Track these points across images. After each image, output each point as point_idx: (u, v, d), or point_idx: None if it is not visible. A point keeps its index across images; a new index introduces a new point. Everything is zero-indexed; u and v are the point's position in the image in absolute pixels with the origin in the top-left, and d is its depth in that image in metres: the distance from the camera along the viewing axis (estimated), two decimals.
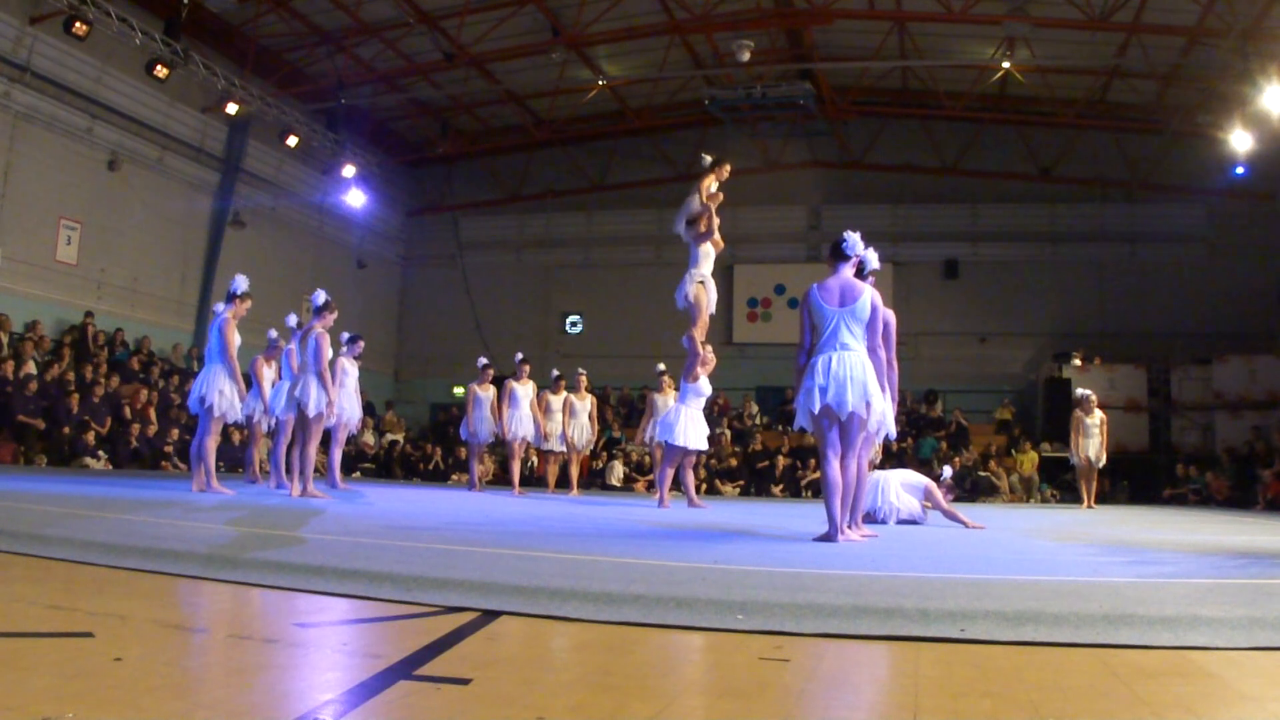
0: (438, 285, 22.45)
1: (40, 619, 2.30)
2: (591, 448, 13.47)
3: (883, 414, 5.15)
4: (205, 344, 8.72)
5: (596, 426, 12.92)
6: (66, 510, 4.99)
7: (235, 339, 8.16)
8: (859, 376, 4.88)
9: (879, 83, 18.87)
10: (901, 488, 7.60)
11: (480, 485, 12.11)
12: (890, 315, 5.45)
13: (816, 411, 4.92)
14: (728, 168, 9.27)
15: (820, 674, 2.09)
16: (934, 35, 16.76)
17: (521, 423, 11.66)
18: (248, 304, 8.32)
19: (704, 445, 9.53)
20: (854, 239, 5.33)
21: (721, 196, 9.32)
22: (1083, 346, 18.28)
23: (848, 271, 5.25)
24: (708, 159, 9.25)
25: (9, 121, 13.55)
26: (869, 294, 5.07)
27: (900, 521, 7.46)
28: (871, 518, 7.26)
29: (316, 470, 8.89)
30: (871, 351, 5.07)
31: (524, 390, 11.77)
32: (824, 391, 4.89)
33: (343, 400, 9.31)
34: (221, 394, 7.94)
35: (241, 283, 8.28)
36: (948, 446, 16.98)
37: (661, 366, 11.75)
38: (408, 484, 15.49)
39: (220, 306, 8.41)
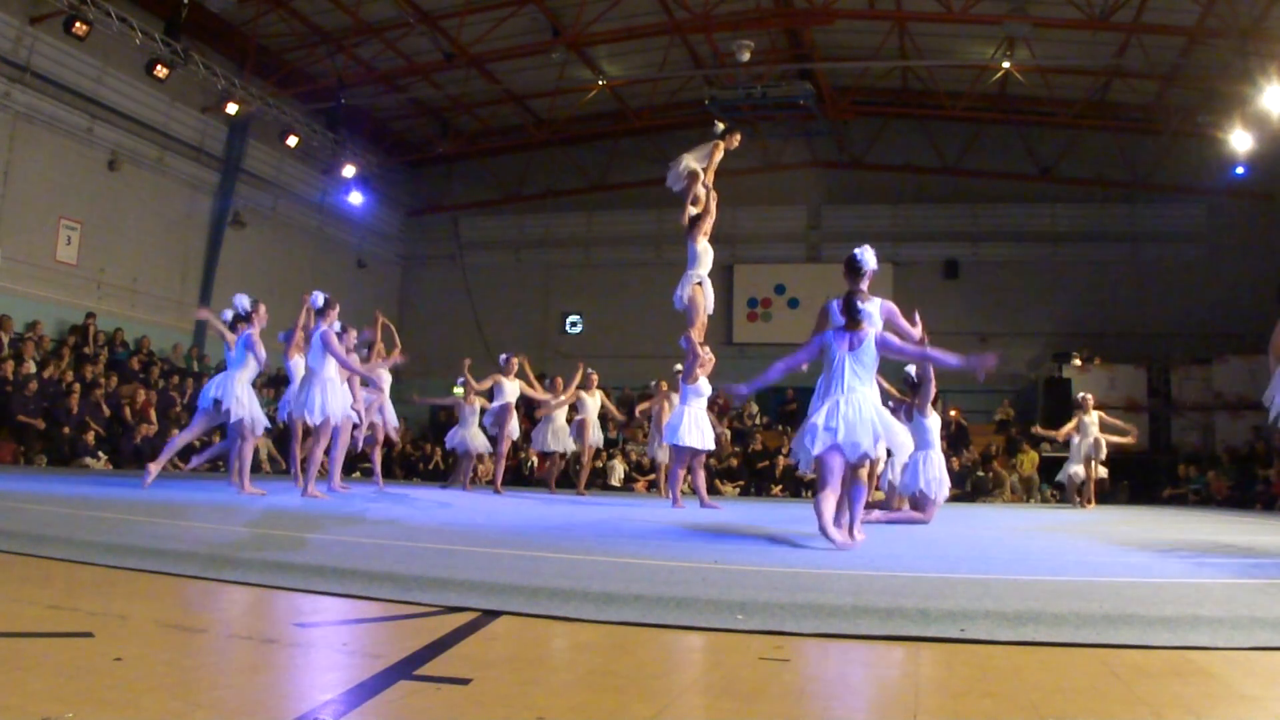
0: (438, 285, 22.45)
1: (40, 619, 2.30)
2: (599, 447, 13.60)
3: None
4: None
5: (622, 417, 13.08)
6: (66, 510, 4.99)
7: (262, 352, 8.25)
8: (869, 416, 4.88)
9: (879, 83, 18.87)
10: (939, 460, 7.61)
11: (498, 486, 12.08)
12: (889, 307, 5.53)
13: (816, 452, 4.86)
14: (738, 137, 9.36)
15: (820, 674, 2.09)
16: (934, 35, 16.76)
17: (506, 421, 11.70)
18: (262, 309, 8.40)
19: (710, 445, 9.57)
20: (866, 255, 5.34)
21: (708, 202, 9.38)
22: (1083, 346, 18.28)
23: (864, 285, 5.28)
24: (720, 126, 9.30)
25: (9, 121, 13.55)
26: (872, 335, 5.05)
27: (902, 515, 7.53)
28: (921, 504, 7.41)
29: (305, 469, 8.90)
30: (911, 340, 5.42)
31: (511, 387, 11.80)
32: (833, 433, 4.84)
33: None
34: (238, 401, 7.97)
35: (245, 300, 8.37)
36: (948, 446, 16.96)
37: (679, 367, 11.79)
38: (408, 484, 15.48)
39: (234, 320, 8.41)
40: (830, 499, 4.80)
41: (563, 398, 12.24)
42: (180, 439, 8.48)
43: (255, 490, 7.92)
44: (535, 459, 16.31)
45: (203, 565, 3.18)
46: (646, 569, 3.56)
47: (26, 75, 13.65)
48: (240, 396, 7.95)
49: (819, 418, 4.89)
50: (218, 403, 7.95)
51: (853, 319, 5.04)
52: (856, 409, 4.86)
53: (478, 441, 11.87)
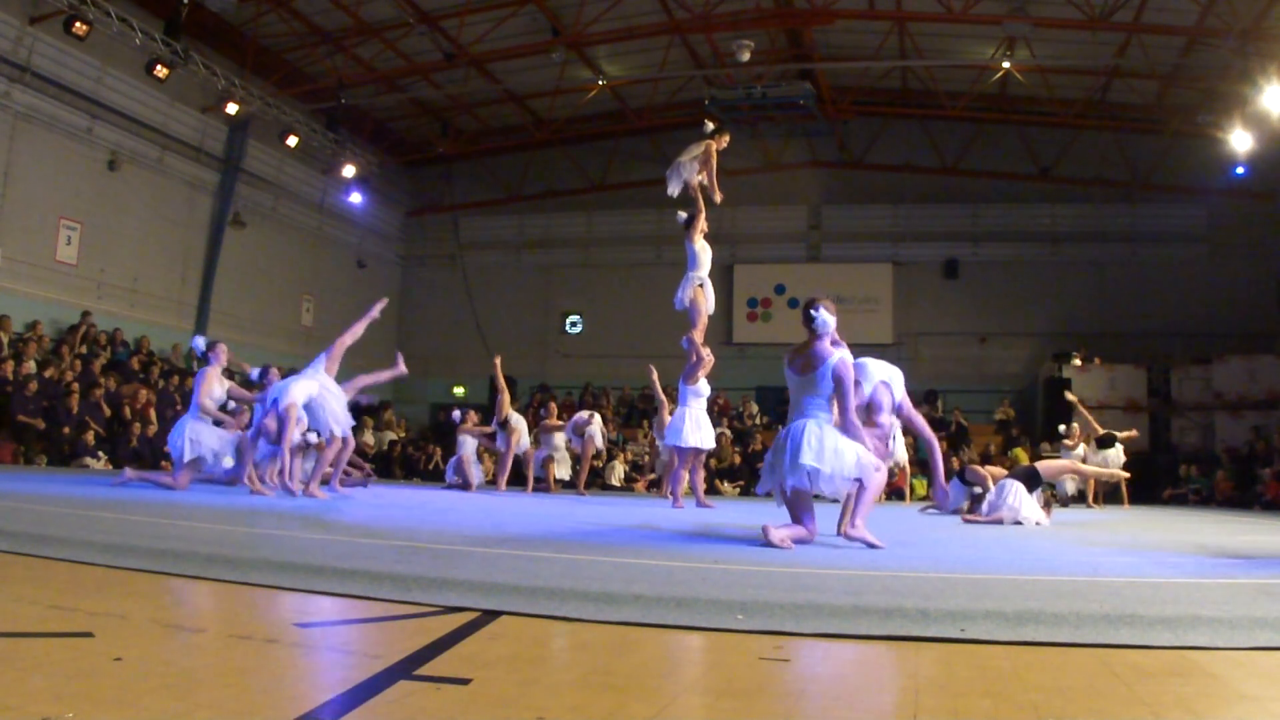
0: (438, 285, 22.46)
1: (40, 619, 2.30)
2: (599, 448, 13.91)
3: (844, 467, 4.66)
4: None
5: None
6: (66, 510, 4.99)
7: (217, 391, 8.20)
8: (798, 444, 4.57)
9: (879, 83, 18.88)
10: (1025, 492, 7.78)
11: (501, 486, 12.42)
12: (844, 369, 4.80)
13: (761, 490, 4.83)
14: (728, 137, 9.33)
15: (820, 674, 2.09)
16: (934, 35, 16.77)
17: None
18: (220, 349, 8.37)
19: (710, 444, 9.60)
20: (825, 316, 4.83)
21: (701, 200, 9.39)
22: (1083, 346, 18.29)
23: (823, 342, 4.87)
24: (710, 125, 9.28)
25: (9, 121, 13.55)
26: (829, 364, 4.74)
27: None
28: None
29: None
30: (843, 413, 4.75)
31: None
32: (771, 468, 4.70)
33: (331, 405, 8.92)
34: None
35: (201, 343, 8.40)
36: (947, 446, 16.97)
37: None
38: (408, 484, 15.49)
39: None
40: (799, 531, 4.64)
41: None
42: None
43: (264, 490, 7.92)
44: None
45: (203, 565, 3.18)
46: (646, 569, 3.56)
47: (26, 75, 13.65)
48: (199, 438, 7.94)
49: (772, 452, 4.75)
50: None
51: (809, 330, 4.82)
52: (797, 441, 4.60)
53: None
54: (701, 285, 9.25)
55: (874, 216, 20.29)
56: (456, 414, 13.01)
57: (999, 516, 7.72)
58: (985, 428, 18.07)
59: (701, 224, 9.38)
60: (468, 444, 12.52)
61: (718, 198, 9.54)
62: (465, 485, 12.27)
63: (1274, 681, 2.06)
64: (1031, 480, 8.01)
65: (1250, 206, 18.03)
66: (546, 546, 4.30)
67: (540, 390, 19.36)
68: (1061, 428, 13.63)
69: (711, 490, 15.48)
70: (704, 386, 9.50)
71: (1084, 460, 12.55)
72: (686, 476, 9.61)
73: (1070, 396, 13.91)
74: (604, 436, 13.37)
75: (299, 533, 4.60)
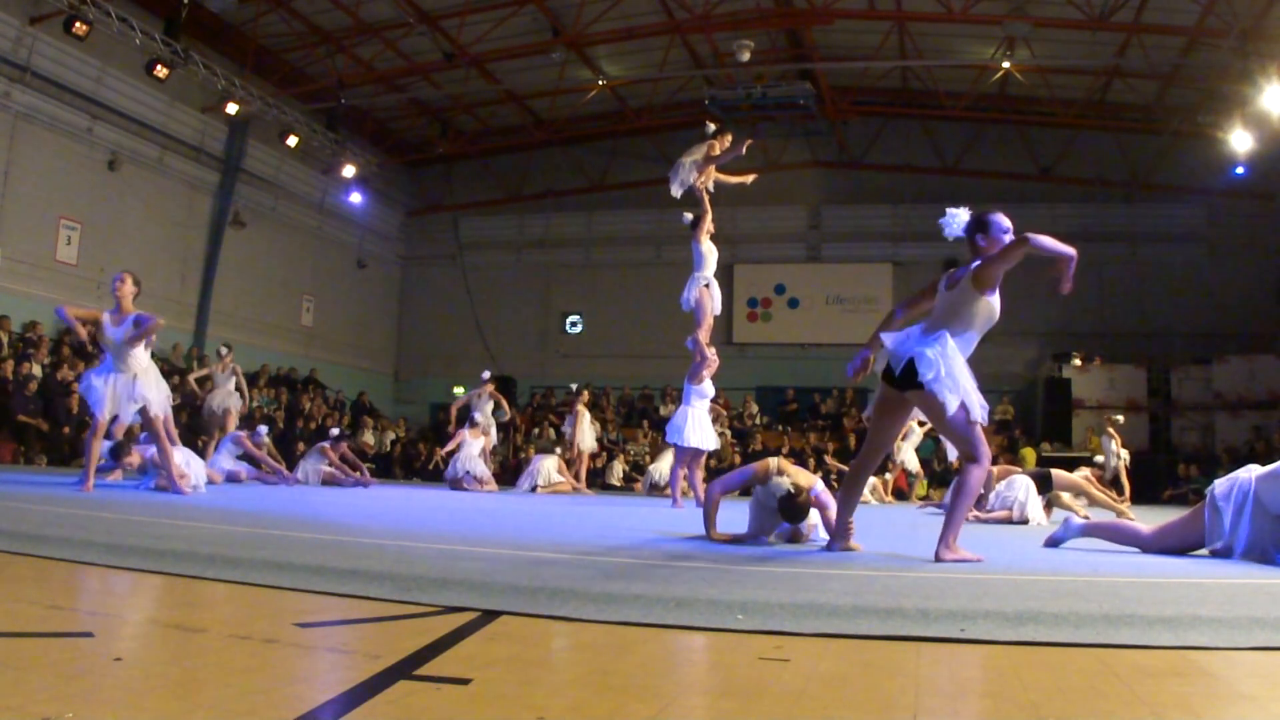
0: (438, 285, 22.47)
1: (40, 619, 2.30)
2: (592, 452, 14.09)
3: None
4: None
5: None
6: (66, 510, 4.99)
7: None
8: None
9: (879, 83, 18.88)
10: (1035, 491, 7.88)
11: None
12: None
13: None
14: (729, 138, 9.34)
15: (820, 674, 2.09)
16: (934, 35, 16.77)
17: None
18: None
19: (712, 445, 9.61)
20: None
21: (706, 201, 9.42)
22: (1083, 346, 18.29)
23: None
24: (712, 126, 9.31)
25: (9, 121, 13.56)
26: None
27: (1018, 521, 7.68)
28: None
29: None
30: None
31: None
32: None
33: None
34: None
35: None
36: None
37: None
38: (408, 484, 15.50)
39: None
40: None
41: None
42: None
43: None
44: None
45: (203, 565, 3.17)
46: (646, 569, 3.55)
47: (26, 75, 13.66)
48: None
49: None
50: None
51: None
52: None
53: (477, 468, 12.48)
54: (707, 286, 9.28)
55: (874, 216, 20.27)
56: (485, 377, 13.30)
57: (1007, 514, 7.70)
58: (985, 428, 18.06)
59: (708, 225, 9.39)
60: (473, 444, 12.42)
61: (749, 178, 9.59)
62: (460, 485, 12.24)
63: (1274, 681, 2.06)
64: (1043, 483, 8.02)
65: (1250, 206, 18.04)
66: (546, 547, 4.30)
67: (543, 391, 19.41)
68: (1099, 458, 13.72)
69: None
70: (708, 387, 9.52)
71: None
72: (684, 475, 9.59)
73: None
74: (590, 433, 13.77)
75: (299, 533, 4.60)
